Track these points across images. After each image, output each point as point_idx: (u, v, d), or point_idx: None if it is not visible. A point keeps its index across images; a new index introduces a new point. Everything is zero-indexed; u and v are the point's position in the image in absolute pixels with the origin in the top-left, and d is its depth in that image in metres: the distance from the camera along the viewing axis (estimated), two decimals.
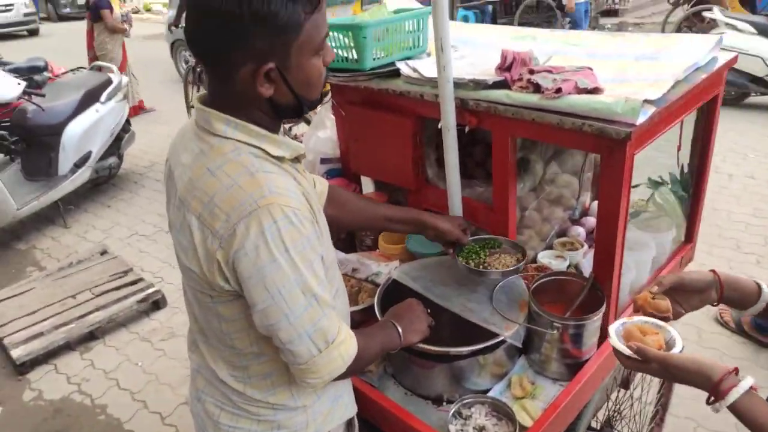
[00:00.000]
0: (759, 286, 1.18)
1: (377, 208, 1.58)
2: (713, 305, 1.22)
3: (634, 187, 1.58)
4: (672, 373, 1.05)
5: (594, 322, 1.42)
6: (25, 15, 15.40)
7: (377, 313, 1.52)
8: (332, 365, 1.10)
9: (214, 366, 1.21)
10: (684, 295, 1.20)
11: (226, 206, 0.99)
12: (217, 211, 1.00)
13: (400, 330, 1.32)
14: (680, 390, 2.51)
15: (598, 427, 1.89)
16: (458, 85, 1.52)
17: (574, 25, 8.45)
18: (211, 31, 0.96)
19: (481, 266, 1.50)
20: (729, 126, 5.51)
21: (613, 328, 1.15)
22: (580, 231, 1.93)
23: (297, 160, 1.14)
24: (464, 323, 1.46)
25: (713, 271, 1.20)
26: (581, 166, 1.97)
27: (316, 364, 1.08)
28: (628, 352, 1.09)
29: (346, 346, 1.12)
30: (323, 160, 2.06)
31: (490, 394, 1.44)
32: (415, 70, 1.64)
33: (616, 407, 1.92)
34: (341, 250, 1.92)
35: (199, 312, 1.17)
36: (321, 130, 2.07)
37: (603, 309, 1.42)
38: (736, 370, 1.01)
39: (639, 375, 2.09)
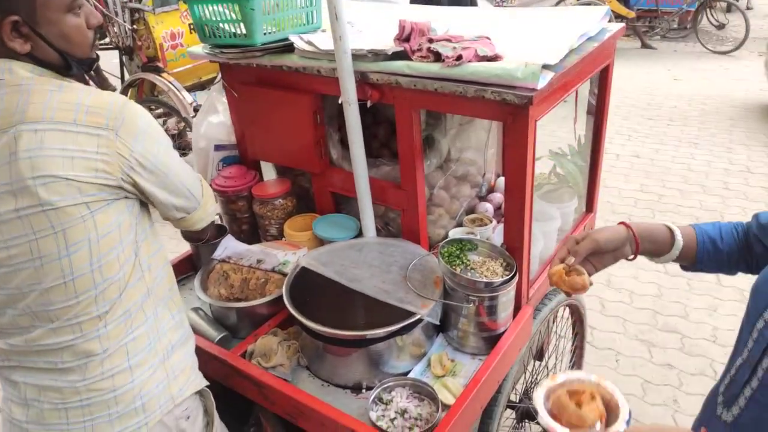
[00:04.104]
0: (671, 232, 1.11)
1: None
2: (628, 260, 1.14)
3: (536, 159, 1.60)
4: None
5: (508, 292, 1.40)
6: None
7: (287, 304, 1.42)
8: (210, 191, 1.35)
9: (51, 352, 1.10)
10: (597, 256, 1.12)
11: (100, 105, 1.06)
12: (94, 110, 1.05)
13: None
14: (587, 357, 2.61)
15: (517, 400, 1.90)
16: (356, 57, 1.45)
17: None
18: None
19: (469, 273, 1.42)
20: (612, 111, 5.88)
21: (539, 402, 0.93)
22: (487, 207, 1.93)
23: None
24: (379, 306, 1.39)
25: (624, 224, 1.12)
26: (485, 142, 1.97)
27: (206, 194, 1.32)
28: None
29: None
30: (217, 147, 1.91)
31: (410, 375, 1.39)
32: (310, 43, 1.55)
33: (533, 378, 1.94)
34: (244, 241, 1.79)
35: (55, 266, 1.05)
36: (213, 115, 1.92)
37: (516, 279, 1.41)
38: None
39: (552, 345, 2.14)
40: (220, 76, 1.84)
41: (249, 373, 1.40)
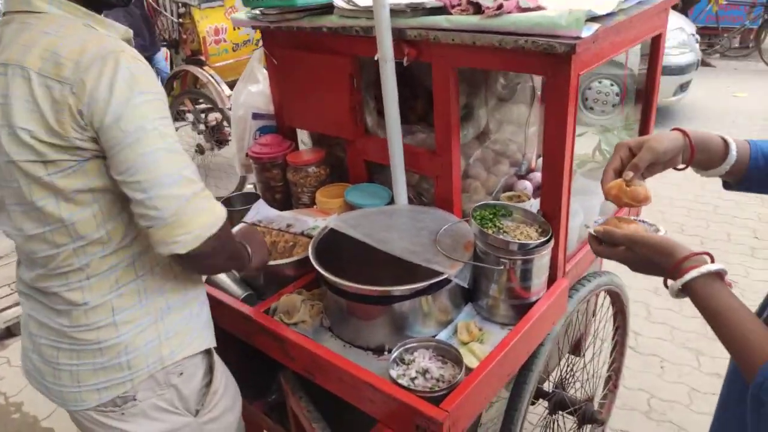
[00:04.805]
0: (726, 143, 1.02)
1: None
2: (677, 169, 1.07)
3: (579, 135, 1.52)
4: (637, 252, 0.94)
5: (542, 257, 1.33)
6: None
7: (313, 263, 1.39)
8: (203, 217, 1.01)
9: (46, 294, 1.10)
10: (650, 166, 1.03)
11: (74, 55, 0.95)
12: (63, 61, 0.95)
13: (250, 251, 1.27)
14: (630, 362, 2.47)
15: (551, 390, 1.80)
16: (395, 12, 1.41)
17: None
18: None
19: (501, 235, 1.34)
20: (669, 122, 5.69)
21: (592, 221, 1.09)
22: (527, 185, 1.85)
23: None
24: (407, 270, 1.34)
25: (680, 130, 1.02)
26: (526, 118, 1.90)
27: (186, 214, 0.98)
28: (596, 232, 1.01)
29: (216, 203, 1.06)
30: (255, 116, 1.92)
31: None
32: (349, 1, 1.53)
33: (569, 368, 1.84)
34: (276, 209, 1.77)
35: (32, 216, 1.03)
36: (252, 84, 1.93)
37: (551, 244, 1.34)
38: (711, 257, 0.88)
39: (588, 340, 2.03)
40: (261, 42, 1.84)
41: (270, 328, 1.36)
